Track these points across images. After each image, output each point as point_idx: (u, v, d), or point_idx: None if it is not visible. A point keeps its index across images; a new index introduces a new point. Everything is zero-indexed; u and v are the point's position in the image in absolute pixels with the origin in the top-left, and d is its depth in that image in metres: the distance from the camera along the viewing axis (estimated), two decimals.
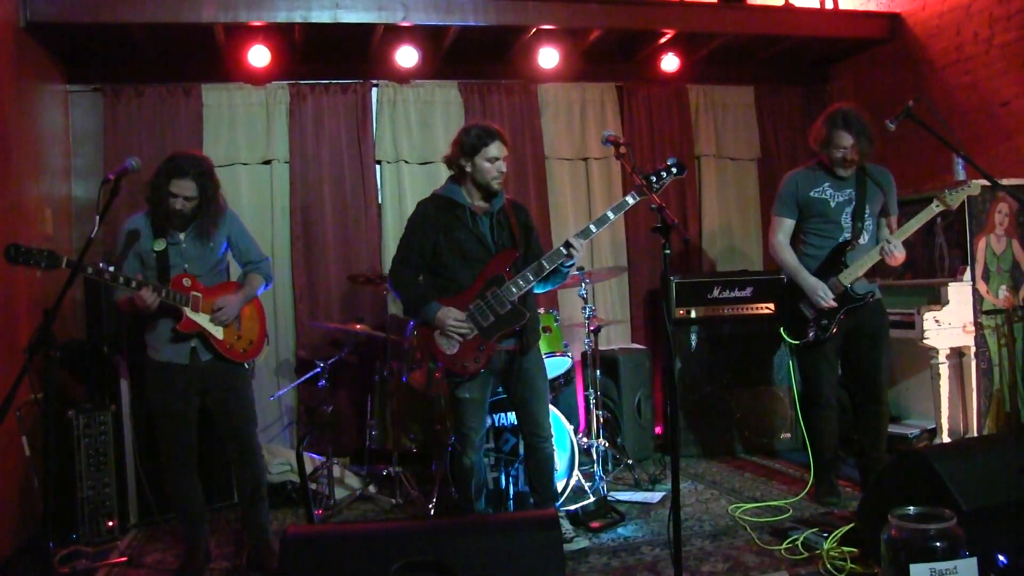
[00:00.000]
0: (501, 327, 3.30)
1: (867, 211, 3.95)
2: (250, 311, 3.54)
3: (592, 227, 3.32)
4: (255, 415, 3.59)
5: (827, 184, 3.97)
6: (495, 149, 3.31)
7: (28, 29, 4.36)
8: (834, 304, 3.88)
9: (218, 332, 3.38)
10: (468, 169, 3.35)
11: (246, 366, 3.53)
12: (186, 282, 3.33)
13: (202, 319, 3.34)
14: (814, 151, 4.03)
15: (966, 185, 3.84)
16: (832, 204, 3.95)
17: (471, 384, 3.37)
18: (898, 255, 3.82)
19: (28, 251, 2.95)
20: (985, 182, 3.80)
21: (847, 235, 3.95)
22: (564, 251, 3.27)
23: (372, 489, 4.62)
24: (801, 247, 4.06)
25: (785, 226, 4.07)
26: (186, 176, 3.30)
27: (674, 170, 3.28)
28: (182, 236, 3.39)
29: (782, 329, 4.07)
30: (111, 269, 3.17)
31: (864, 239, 3.93)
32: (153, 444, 4.16)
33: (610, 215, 3.33)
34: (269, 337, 3.75)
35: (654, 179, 3.23)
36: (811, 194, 3.98)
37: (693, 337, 5.29)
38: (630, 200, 3.29)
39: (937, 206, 3.83)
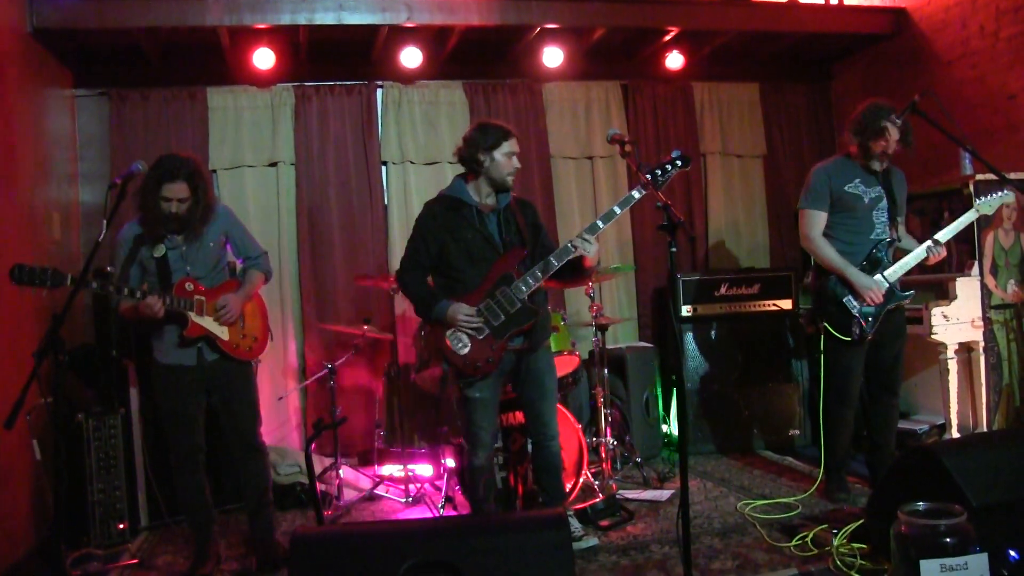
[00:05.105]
0: (512, 326, 3.29)
1: (898, 210, 3.97)
2: (251, 308, 3.56)
3: (599, 223, 3.31)
4: (259, 414, 3.60)
5: (859, 180, 3.92)
6: (513, 144, 3.38)
7: (35, 35, 4.38)
8: (882, 301, 3.87)
9: (223, 333, 3.39)
10: (486, 164, 3.34)
11: (252, 364, 3.54)
12: (188, 286, 3.33)
13: (207, 322, 3.35)
14: (845, 141, 3.97)
15: (1002, 193, 3.90)
16: (865, 200, 3.91)
17: (482, 384, 3.37)
18: (942, 253, 3.86)
19: (32, 271, 2.90)
20: (993, 176, 3.79)
21: (880, 232, 3.92)
22: (572, 248, 3.25)
23: (381, 489, 4.63)
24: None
25: (820, 220, 3.96)
26: (177, 179, 3.26)
27: (679, 163, 3.25)
28: (180, 239, 3.36)
29: (828, 325, 3.91)
30: (110, 285, 3.19)
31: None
32: (162, 446, 4.18)
33: (616, 210, 3.31)
34: (275, 337, 3.76)
35: (659, 172, 3.20)
36: (845, 188, 3.91)
37: (700, 335, 5.27)
38: (636, 195, 3.26)
39: (976, 211, 3.90)
